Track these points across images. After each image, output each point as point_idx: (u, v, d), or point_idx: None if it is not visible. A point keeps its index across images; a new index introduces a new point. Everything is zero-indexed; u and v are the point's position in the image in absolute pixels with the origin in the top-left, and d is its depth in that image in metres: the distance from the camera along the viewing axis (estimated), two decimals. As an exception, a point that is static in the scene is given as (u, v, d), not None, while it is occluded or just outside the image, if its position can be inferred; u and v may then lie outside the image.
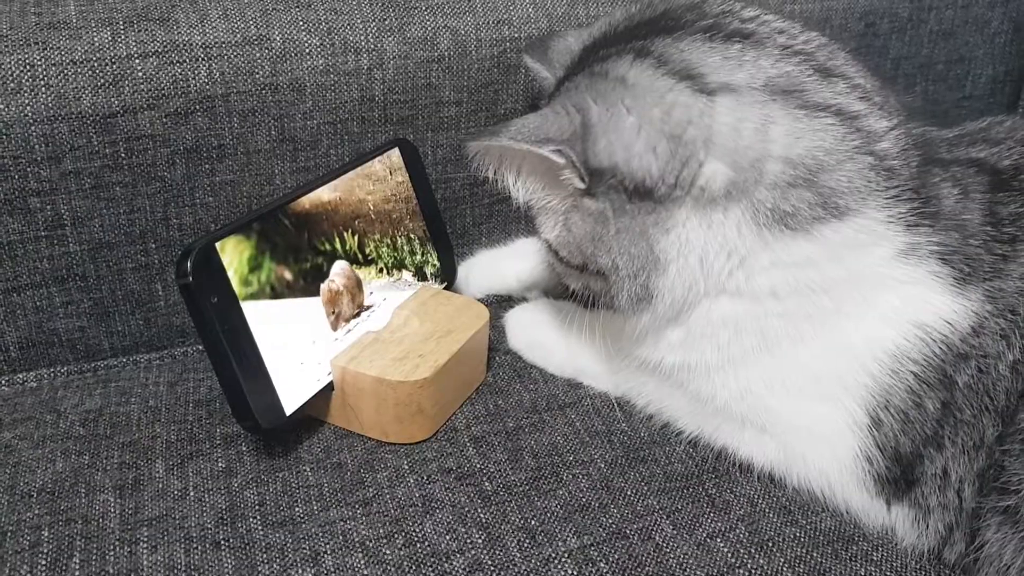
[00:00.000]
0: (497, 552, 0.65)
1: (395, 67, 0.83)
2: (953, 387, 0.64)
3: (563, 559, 0.65)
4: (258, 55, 0.79)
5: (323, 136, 0.83)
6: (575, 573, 0.64)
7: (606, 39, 0.69)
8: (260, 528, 0.66)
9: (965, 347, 0.64)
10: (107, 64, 0.75)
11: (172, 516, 0.66)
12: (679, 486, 0.71)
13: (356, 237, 0.78)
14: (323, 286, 0.75)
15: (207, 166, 0.80)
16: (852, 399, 0.66)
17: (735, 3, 0.68)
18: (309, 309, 0.74)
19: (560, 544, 0.66)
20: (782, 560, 0.66)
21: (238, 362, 0.68)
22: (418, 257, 0.84)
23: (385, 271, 0.81)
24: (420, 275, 0.84)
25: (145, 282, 0.82)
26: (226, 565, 0.63)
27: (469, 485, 0.70)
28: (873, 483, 0.67)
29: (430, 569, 0.63)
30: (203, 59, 0.77)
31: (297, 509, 0.67)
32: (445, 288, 0.86)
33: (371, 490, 0.69)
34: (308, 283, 0.74)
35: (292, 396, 0.71)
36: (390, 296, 0.81)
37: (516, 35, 0.86)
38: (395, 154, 0.82)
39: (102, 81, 0.75)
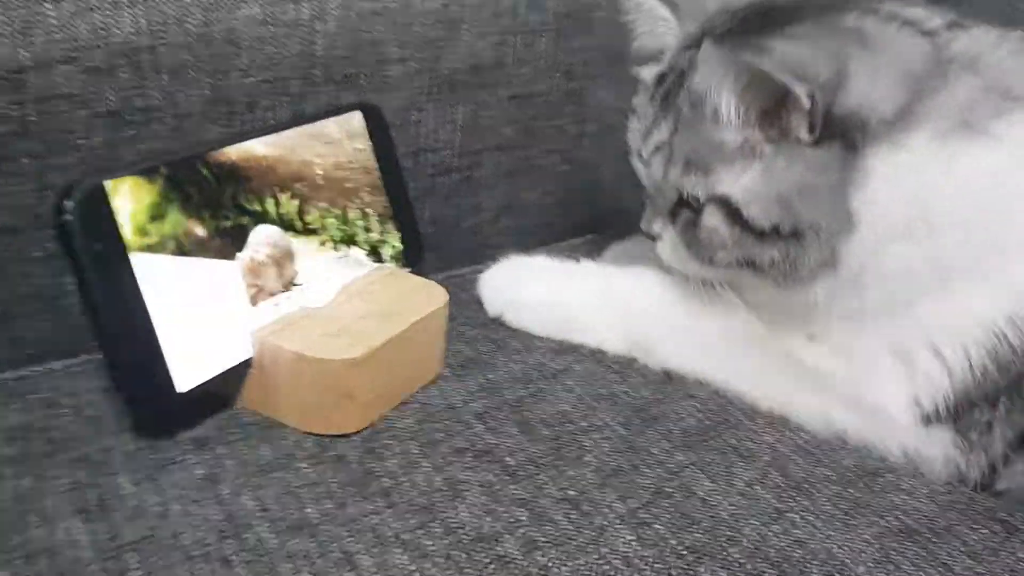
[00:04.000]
0: (547, 527, 0.58)
1: (337, 19, 0.75)
2: None
3: (617, 526, 0.59)
4: (188, 1, 0.68)
5: (261, 97, 0.73)
6: (635, 538, 0.58)
7: (782, 6, 0.68)
8: (273, 536, 0.55)
9: None
10: (12, 9, 0.62)
11: (160, 536, 0.55)
12: (699, 440, 0.68)
13: (296, 202, 0.69)
14: (244, 255, 0.66)
15: (131, 132, 0.68)
16: (951, 349, 0.65)
17: None
18: (225, 274, 0.65)
19: (607, 511, 0.60)
20: (823, 499, 0.64)
21: (119, 325, 0.58)
22: (374, 235, 0.75)
23: (331, 244, 0.72)
24: (375, 255, 0.76)
25: (56, 274, 0.69)
26: (246, 581, 0.53)
27: (490, 462, 0.63)
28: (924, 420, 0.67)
29: (482, 555, 0.56)
30: (126, 5, 0.66)
31: (309, 510, 0.58)
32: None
33: (386, 480, 0.61)
34: (226, 244, 0.65)
35: (193, 371, 0.61)
36: (336, 273, 0.72)
37: (458, -13, 0.81)
38: (356, 118, 0.74)
39: (7, 30, 0.62)
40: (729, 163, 0.64)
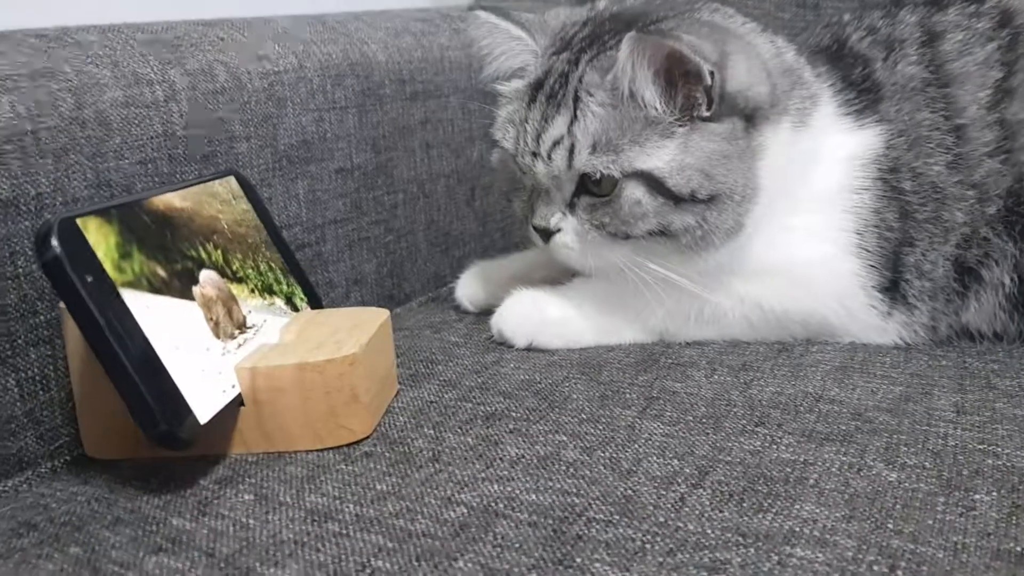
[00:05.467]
0: (589, 437, 0.62)
1: (187, 99, 0.76)
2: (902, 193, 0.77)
3: (639, 423, 0.64)
4: (56, 87, 0.67)
5: (136, 178, 0.72)
6: (659, 423, 0.64)
7: (630, 12, 0.77)
8: (366, 508, 0.53)
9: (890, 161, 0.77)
10: None
11: (257, 540, 0.50)
12: (648, 366, 0.75)
13: (219, 251, 0.69)
14: (195, 290, 0.64)
15: (26, 224, 0.64)
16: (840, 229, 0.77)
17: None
18: (192, 313, 0.63)
19: (622, 418, 0.65)
20: (768, 369, 0.73)
21: (128, 354, 0.55)
22: (284, 287, 0.75)
23: (257, 293, 0.72)
24: (291, 305, 0.75)
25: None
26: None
27: (501, 419, 0.66)
28: (876, 294, 0.77)
29: (554, 466, 0.58)
30: (1, 91, 0.63)
31: (380, 487, 0.56)
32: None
33: (425, 452, 0.61)
34: (183, 285, 0.63)
35: (202, 403, 0.58)
36: (270, 319, 0.71)
37: (275, 68, 0.86)
38: (232, 182, 0.74)
39: None
40: (645, 139, 0.70)
